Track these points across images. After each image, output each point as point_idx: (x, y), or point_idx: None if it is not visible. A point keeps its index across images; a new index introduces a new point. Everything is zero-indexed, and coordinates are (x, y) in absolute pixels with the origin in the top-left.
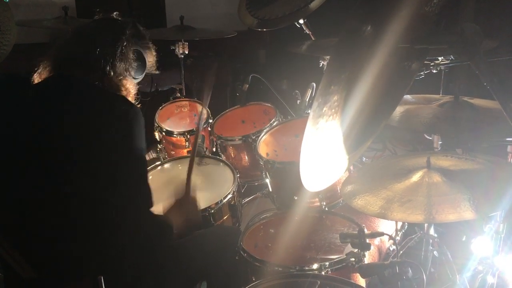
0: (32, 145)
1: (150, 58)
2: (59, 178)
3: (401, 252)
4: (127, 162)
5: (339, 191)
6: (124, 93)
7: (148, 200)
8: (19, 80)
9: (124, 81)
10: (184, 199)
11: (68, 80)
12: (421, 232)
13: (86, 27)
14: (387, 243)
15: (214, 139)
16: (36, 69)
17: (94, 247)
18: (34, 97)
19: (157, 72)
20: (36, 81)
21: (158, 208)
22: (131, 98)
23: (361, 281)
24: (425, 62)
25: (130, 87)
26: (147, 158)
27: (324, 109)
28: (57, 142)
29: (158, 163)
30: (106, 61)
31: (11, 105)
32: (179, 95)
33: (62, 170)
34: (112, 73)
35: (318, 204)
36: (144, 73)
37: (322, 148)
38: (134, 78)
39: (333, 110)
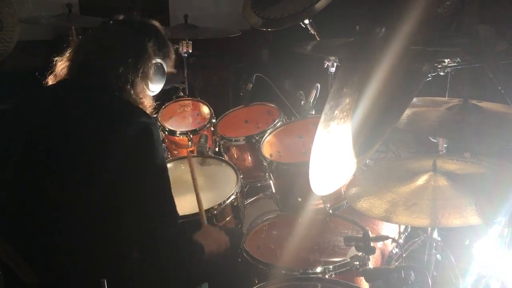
0: (45, 150)
1: (170, 63)
2: (70, 186)
3: (404, 255)
4: (148, 176)
5: (343, 193)
6: (140, 106)
7: (173, 216)
8: (34, 79)
9: (141, 96)
10: (206, 229)
11: (88, 87)
12: (425, 235)
13: (107, 34)
14: (390, 246)
15: (217, 139)
16: (50, 70)
17: (98, 256)
18: (53, 100)
19: (174, 71)
20: (50, 82)
21: None
22: (147, 111)
23: (365, 285)
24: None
25: (146, 101)
26: None
27: (336, 112)
28: (72, 149)
29: None
30: (126, 80)
31: (27, 106)
32: (182, 94)
33: (74, 177)
34: (131, 91)
35: (322, 206)
36: (162, 85)
37: (331, 152)
38: (152, 92)
39: (345, 113)
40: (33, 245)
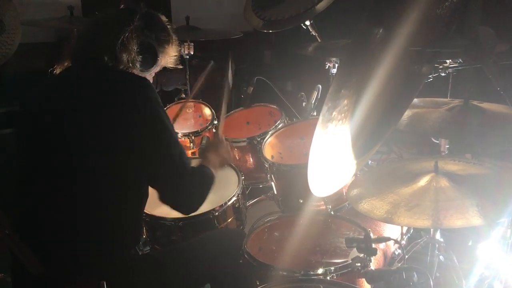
0: (56, 134)
1: (171, 52)
2: (78, 166)
3: (406, 256)
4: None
5: (345, 195)
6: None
7: (185, 162)
8: (36, 81)
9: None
10: (217, 139)
11: (84, 66)
12: (427, 236)
13: (99, 17)
14: (392, 247)
15: None
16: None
17: (101, 247)
18: (57, 84)
19: (180, 66)
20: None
21: (163, 210)
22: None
23: (367, 287)
24: (435, 65)
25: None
26: None
27: (334, 113)
28: (81, 128)
29: None
30: (107, 52)
31: (35, 95)
32: (184, 95)
33: (81, 160)
34: (115, 64)
35: (324, 207)
36: (155, 67)
37: (330, 153)
38: (141, 71)
39: (343, 115)
40: (40, 235)
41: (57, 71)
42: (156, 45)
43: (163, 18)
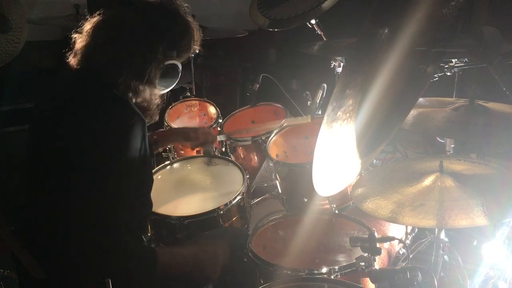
0: (46, 144)
1: (187, 54)
2: (61, 179)
3: (411, 256)
4: (116, 170)
5: (349, 194)
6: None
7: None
8: (42, 79)
9: (146, 99)
10: None
11: (89, 85)
12: (432, 236)
13: (121, 25)
14: (397, 246)
15: (224, 139)
16: (70, 47)
17: (98, 249)
18: (58, 91)
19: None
20: (71, 59)
21: (168, 208)
22: (152, 107)
23: (371, 286)
24: (440, 64)
25: (151, 104)
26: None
27: (339, 113)
28: (62, 143)
29: (167, 162)
30: (128, 87)
31: (41, 101)
32: (189, 94)
33: (63, 172)
34: (133, 97)
35: (328, 206)
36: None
37: (335, 153)
38: (160, 92)
39: (348, 115)
40: (40, 241)
41: (70, 58)
42: (178, 63)
43: (183, 10)
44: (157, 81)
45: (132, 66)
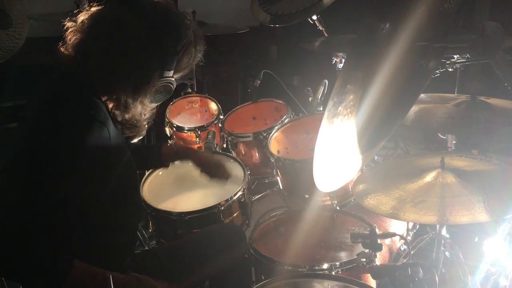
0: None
1: (193, 62)
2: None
3: (412, 252)
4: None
5: (350, 190)
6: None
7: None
8: (43, 75)
9: (133, 115)
10: None
11: (73, 91)
12: (433, 232)
13: (118, 31)
14: (398, 242)
15: (225, 136)
16: (63, 38)
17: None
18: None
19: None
20: (63, 50)
21: (169, 204)
22: (141, 124)
23: (372, 282)
24: (441, 60)
25: (140, 116)
26: None
27: (339, 108)
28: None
29: None
30: (119, 101)
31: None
32: (190, 90)
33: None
34: (123, 111)
35: (329, 202)
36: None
37: (336, 148)
38: (150, 106)
39: (348, 110)
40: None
41: (62, 50)
42: (174, 81)
43: (190, 24)
44: (150, 99)
45: (128, 84)
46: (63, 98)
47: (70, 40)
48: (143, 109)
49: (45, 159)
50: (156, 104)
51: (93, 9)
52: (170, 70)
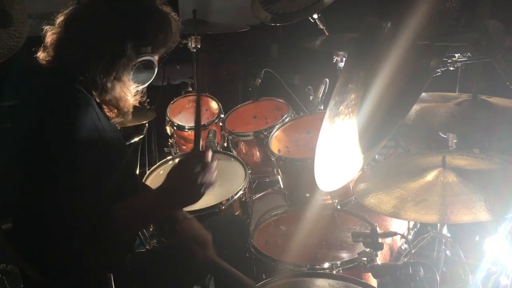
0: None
1: (164, 49)
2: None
3: (413, 251)
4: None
5: (351, 189)
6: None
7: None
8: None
9: (117, 95)
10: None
11: (54, 83)
12: (434, 231)
13: (93, 16)
14: (399, 241)
15: (226, 134)
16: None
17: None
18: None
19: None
20: (40, 55)
21: None
22: (123, 105)
23: (373, 281)
24: (443, 59)
25: (121, 97)
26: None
27: (341, 108)
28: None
29: (169, 157)
30: (95, 84)
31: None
32: (191, 89)
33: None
34: (102, 92)
35: (330, 201)
36: (152, 79)
37: (337, 148)
38: (133, 88)
39: (350, 109)
40: (25, 243)
41: (40, 54)
42: (153, 58)
43: (158, 5)
44: (129, 77)
45: (100, 61)
46: (47, 92)
47: (48, 42)
48: (123, 91)
49: (49, 152)
50: (141, 86)
51: (67, 11)
52: (146, 46)
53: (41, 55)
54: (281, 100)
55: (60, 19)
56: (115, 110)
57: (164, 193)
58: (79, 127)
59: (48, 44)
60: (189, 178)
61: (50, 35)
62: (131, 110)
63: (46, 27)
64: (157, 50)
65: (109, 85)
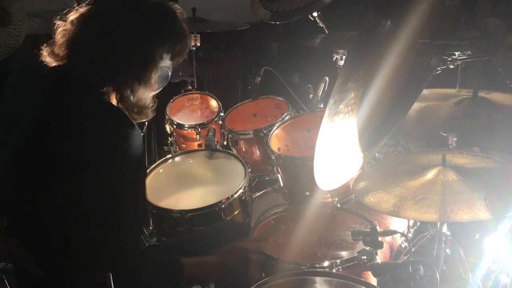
0: (33, 143)
1: (180, 58)
2: (50, 180)
3: (413, 250)
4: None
5: (351, 187)
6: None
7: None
8: (33, 69)
9: (139, 99)
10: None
11: (76, 84)
12: (434, 229)
13: (118, 17)
14: (399, 240)
15: (225, 133)
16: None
17: (95, 248)
18: (38, 89)
19: (186, 59)
20: (45, 53)
21: (170, 202)
22: (147, 107)
23: (373, 279)
24: (443, 57)
25: (142, 103)
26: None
27: (340, 106)
28: (50, 143)
29: (169, 156)
30: (123, 87)
31: (20, 94)
32: (190, 87)
33: (51, 173)
34: (130, 97)
35: (330, 200)
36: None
37: (337, 146)
38: (152, 93)
39: (350, 108)
40: (34, 238)
41: (45, 52)
42: (170, 66)
43: (179, 12)
44: (154, 81)
45: (132, 63)
46: (87, 110)
47: (59, 39)
48: (145, 92)
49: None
50: (155, 92)
51: (82, 9)
52: (168, 53)
53: (46, 50)
54: (281, 99)
55: (73, 16)
56: (137, 112)
57: (217, 269)
58: (138, 147)
59: (59, 42)
60: (245, 264)
61: (61, 31)
62: (150, 111)
63: (58, 22)
64: (174, 59)
65: (137, 87)
